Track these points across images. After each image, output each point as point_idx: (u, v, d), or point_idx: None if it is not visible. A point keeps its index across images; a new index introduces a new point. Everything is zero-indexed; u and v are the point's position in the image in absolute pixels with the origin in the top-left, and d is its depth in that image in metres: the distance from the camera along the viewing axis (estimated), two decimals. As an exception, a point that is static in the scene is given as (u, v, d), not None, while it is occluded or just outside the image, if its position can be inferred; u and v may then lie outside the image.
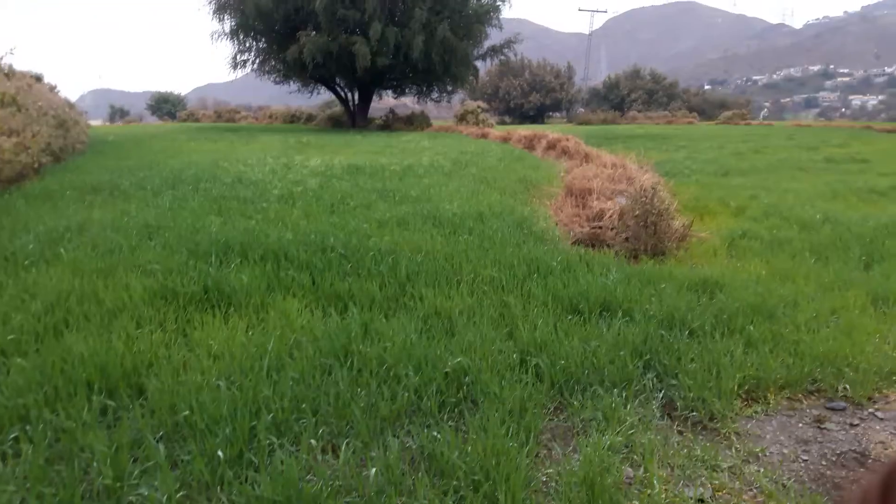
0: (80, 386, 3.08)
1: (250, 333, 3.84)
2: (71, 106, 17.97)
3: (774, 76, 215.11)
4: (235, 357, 3.45)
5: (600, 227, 7.32)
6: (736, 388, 3.42)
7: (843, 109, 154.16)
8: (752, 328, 4.14)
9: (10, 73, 14.63)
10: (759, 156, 17.94)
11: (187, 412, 2.83)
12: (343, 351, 3.57)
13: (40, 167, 10.83)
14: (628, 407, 3.18)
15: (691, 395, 3.32)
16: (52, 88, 22.05)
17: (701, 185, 11.42)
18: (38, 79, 22.15)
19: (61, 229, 6.21)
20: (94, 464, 2.49)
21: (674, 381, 3.48)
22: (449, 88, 39.24)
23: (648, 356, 3.70)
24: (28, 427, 2.72)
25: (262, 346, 3.56)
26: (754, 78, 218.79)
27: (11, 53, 14.36)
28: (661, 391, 3.41)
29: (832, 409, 3.37)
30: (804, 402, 3.47)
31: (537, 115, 72.07)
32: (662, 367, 3.62)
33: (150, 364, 3.38)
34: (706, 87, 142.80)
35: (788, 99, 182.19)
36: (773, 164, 15.20)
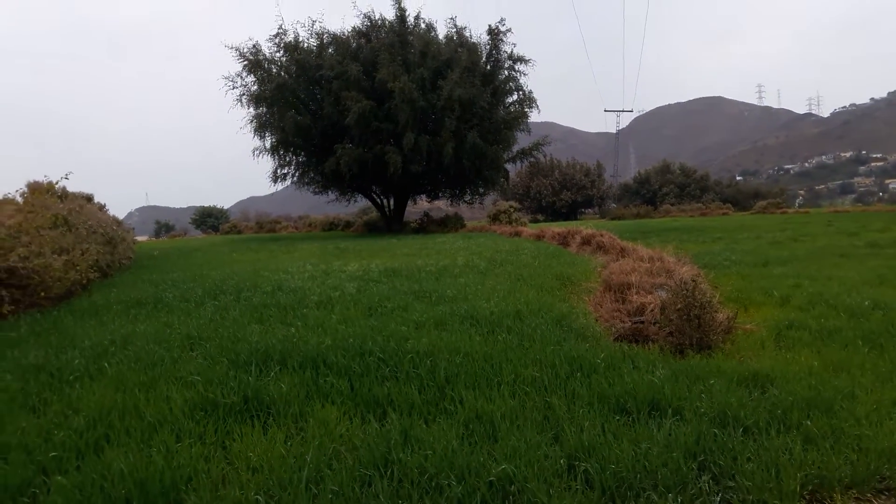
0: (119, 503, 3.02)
1: (289, 444, 3.76)
2: (119, 223, 18.81)
3: (807, 164, 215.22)
4: (274, 469, 3.37)
5: (642, 322, 7.16)
6: (798, 488, 3.20)
7: (881, 193, 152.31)
8: (809, 423, 3.93)
9: (63, 196, 15.48)
10: (798, 244, 17.64)
11: (224, 531, 2.73)
12: (383, 460, 3.46)
13: (88, 283, 11.19)
14: (685, 513, 2.98)
15: (751, 497, 3.12)
16: (102, 207, 23.26)
17: (742, 276, 11.19)
18: (89, 199, 23.43)
19: (106, 343, 6.33)
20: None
21: (731, 483, 3.28)
22: (481, 191, 40.10)
23: (703, 457, 3.51)
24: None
25: (301, 458, 3.48)
26: (786, 167, 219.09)
27: (66, 178, 15.21)
28: (718, 494, 3.20)
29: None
30: (874, 502, 3.22)
31: (570, 212, 72.87)
32: (718, 468, 3.42)
33: (189, 479, 3.32)
34: (738, 178, 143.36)
35: (823, 186, 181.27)
36: (814, 252, 14.88)
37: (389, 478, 3.28)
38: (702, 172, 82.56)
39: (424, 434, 3.80)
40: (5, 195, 13.36)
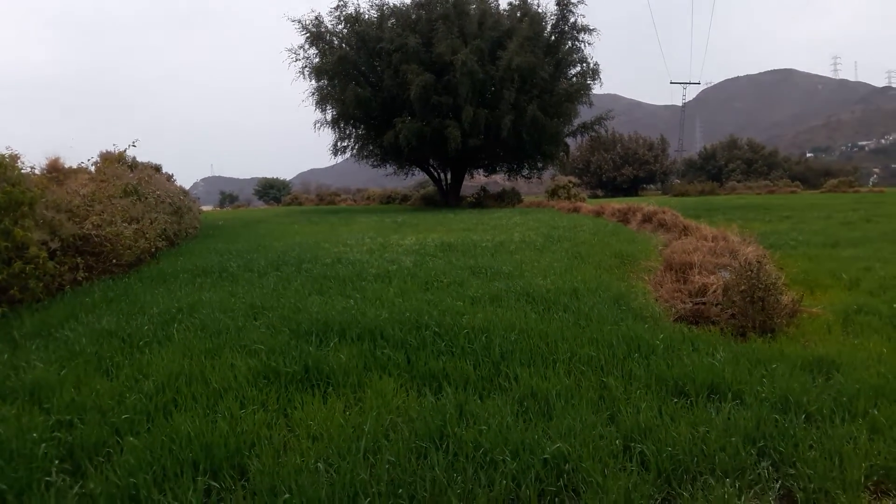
0: (187, 466, 3.18)
1: (347, 414, 3.87)
2: (185, 193, 19.41)
3: (883, 141, 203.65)
4: (333, 438, 3.47)
5: (704, 303, 7.00)
6: (862, 479, 3.10)
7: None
8: (876, 412, 3.79)
9: (133, 165, 16.08)
10: (871, 225, 16.80)
11: (287, 495, 2.84)
12: (438, 433, 3.52)
13: (156, 251, 11.64)
14: (742, 498, 2.95)
15: (812, 485, 3.04)
16: (170, 177, 24.06)
17: (809, 258, 10.77)
18: (158, 169, 24.29)
19: (174, 311, 6.59)
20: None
21: (792, 471, 3.20)
22: (539, 165, 39.64)
23: (762, 442, 3.44)
24: (137, 507, 2.81)
25: (360, 427, 3.57)
26: (861, 143, 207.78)
27: (133, 146, 15.78)
28: (777, 481, 3.14)
29: None
30: (945, 496, 3.09)
31: (631, 188, 71.31)
32: (778, 455, 3.35)
33: (252, 445, 3.45)
34: (809, 154, 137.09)
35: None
36: (888, 233, 14.14)
37: (445, 451, 3.33)
38: (770, 148, 79.38)
39: (479, 409, 3.84)
40: (79, 164, 13.98)
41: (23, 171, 8.65)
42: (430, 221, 21.48)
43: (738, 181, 65.38)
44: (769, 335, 6.04)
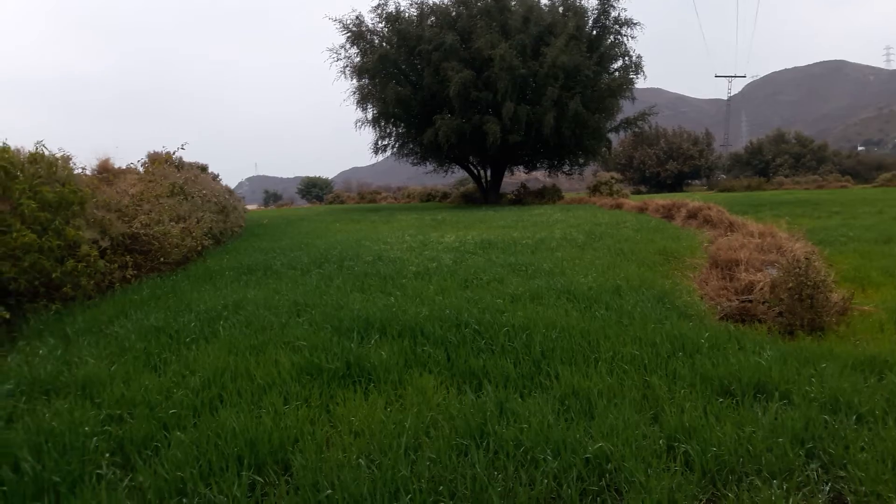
0: (232, 461, 3.25)
1: (389, 410, 3.90)
2: (231, 192, 19.80)
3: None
4: (375, 434, 3.50)
5: (750, 301, 6.84)
6: (918, 483, 2.99)
7: None
8: (930, 413, 3.64)
9: (180, 165, 16.48)
10: (926, 220, 16.18)
11: (329, 491, 2.88)
12: (479, 431, 3.52)
13: (203, 249, 11.90)
14: (790, 501, 2.89)
15: (864, 489, 2.95)
16: (216, 177, 24.59)
17: (860, 254, 10.42)
18: (204, 169, 24.84)
19: (219, 308, 6.73)
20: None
21: (842, 473, 3.12)
22: (581, 161, 39.20)
23: (811, 444, 3.36)
24: (185, 500, 2.88)
25: (401, 424, 3.60)
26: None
27: (182, 149, 16.21)
28: (827, 483, 3.05)
29: None
30: None
31: (675, 184, 69.95)
32: (828, 457, 3.26)
33: (295, 440, 3.51)
34: (860, 148, 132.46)
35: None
36: (946, 229, 13.61)
37: (485, 449, 3.34)
38: (819, 142, 76.98)
39: (520, 407, 3.82)
40: (128, 165, 14.39)
41: (74, 171, 8.94)
42: (469, 219, 21.47)
43: (786, 176, 63.50)
44: (818, 334, 5.89)
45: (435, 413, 3.80)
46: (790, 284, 6.30)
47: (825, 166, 68.21)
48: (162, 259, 9.87)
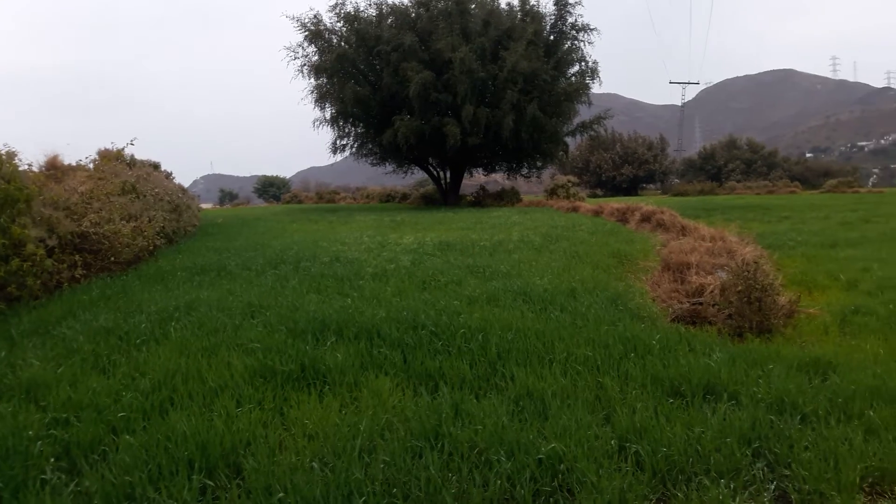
0: (182, 464, 3.18)
1: (343, 413, 3.87)
2: (184, 191, 19.40)
3: (882, 141, 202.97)
4: (329, 437, 3.48)
5: (701, 304, 7.01)
6: (858, 480, 3.11)
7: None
8: (872, 413, 3.80)
9: (131, 163, 16.07)
10: (869, 225, 16.80)
11: (282, 494, 2.85)
12: (434, 433, 3.52)
13: (155, 249, 11.64)
14: (737, 499, 2.96)
15: (807, 487, 3.05)
16: (168, 175, 24.05)
17: (807, 258, 10.79)
18: (156, 166, 24.29)
19: (171, 309, 6.59)
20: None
21: (787, 472, 3.22)
22: (539, 164, 39.58)
23: (758, 443, 3.46)
24: (132, 505, 2.81)
25: (355, 427, 3.58)
26: (860, 144, 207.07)
27: (132, 144, 15.75)
28: (773, 482, 3.15)
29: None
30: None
31: (630, 188, 71.16)
32: (773, 456, 3.36)
33: (248, 443, 3.46)
34: (808, 154, 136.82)
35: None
36: (887, 234, 14.15)
37: (440, 450, 3.34)
38: (770, 149, 79.31)
39: (475, 409, 3.84)
40: (77, 162, 13.97)
41: (20, 168, 8.65)
42: (428, 220, 21.47)
43: (738, 181, 65.25)
44: (766, 336, 6.06)
45: (390, 415, 3.78)
46: (739, 287, 6.48)
47: (775, 172, 70.26)
48: (112, 259, 9.62)
